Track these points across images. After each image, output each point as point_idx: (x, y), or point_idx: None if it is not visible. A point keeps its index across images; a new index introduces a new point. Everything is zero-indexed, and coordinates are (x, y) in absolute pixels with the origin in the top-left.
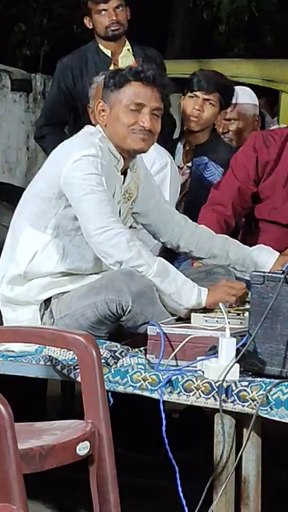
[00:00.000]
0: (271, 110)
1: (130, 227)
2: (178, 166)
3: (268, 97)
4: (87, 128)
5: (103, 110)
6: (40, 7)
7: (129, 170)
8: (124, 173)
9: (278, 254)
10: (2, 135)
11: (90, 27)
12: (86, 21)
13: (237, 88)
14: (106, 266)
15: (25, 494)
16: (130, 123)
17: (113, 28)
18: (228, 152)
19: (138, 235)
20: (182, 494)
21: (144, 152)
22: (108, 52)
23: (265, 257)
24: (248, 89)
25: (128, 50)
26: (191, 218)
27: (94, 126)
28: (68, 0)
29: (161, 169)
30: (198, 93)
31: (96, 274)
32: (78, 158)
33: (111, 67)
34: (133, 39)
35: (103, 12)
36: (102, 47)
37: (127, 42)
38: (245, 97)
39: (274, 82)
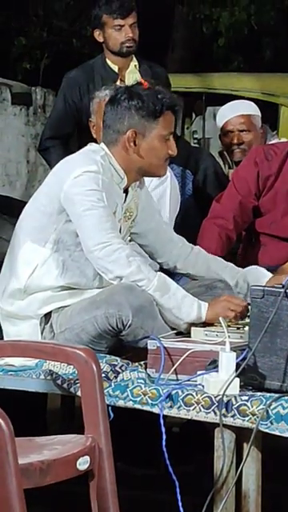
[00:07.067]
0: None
1: (130, 241)
2: None
3: (266, 111)
4: (90, 146)
5: (134, 138)
6: (40, 21)
7: (130, 189)
8: (125, 191)
9: (271, 275)
10: (2, 148)
11: (101, 41)
12: (97, 34)
13: (241, 101)
14: (106, 282)
15: (25, 509)
16: (166, 154)
17: (128, 45)
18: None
19: (137, 249)
20: (182, 509)
21: None
22: (115, 67)
23: (256, 278)
24: (251, 102)
25: (135, 65)
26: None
27: (97, 140)
28: (68, 14)
29: (160, 183)
30: None
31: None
32: (79, 174)
33: (118, 82)
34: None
35: (119, 27)
36: (109, 62)
37: (134, 58)
38: (253, 108)
39: (274, 95)
